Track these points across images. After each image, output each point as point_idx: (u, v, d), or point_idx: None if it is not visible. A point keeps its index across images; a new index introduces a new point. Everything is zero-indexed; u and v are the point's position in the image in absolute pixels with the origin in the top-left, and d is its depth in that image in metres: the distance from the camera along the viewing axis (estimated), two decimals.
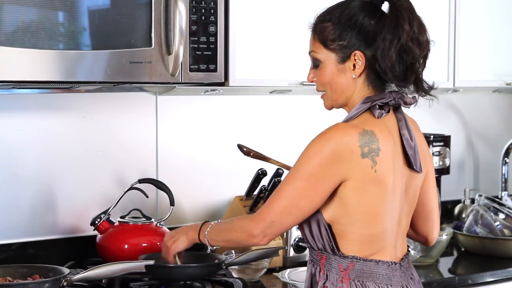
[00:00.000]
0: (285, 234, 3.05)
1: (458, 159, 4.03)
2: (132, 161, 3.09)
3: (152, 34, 2.56)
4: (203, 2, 2.66)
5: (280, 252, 2.97)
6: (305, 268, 2.85)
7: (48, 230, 2.94)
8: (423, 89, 2.17)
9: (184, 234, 2.40)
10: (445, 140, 3.72)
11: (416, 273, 2.30)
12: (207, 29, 2.67)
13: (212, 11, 2.68)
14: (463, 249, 3.42)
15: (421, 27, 2.13)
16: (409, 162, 2.18)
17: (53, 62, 2.42)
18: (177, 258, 2.50)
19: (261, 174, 3.05)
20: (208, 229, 2.30)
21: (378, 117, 2.13)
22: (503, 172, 3.99)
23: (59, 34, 2.43)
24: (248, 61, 2.90)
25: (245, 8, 2.87)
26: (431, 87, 2.19)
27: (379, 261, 2.16)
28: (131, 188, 2.93)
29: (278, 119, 3.43)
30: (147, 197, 2.96)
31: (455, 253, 3.42)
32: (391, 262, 2.17)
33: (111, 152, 3.05)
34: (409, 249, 3.04)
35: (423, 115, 3.73)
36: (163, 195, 2.97)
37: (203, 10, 2.66)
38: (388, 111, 2.17)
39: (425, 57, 2.16)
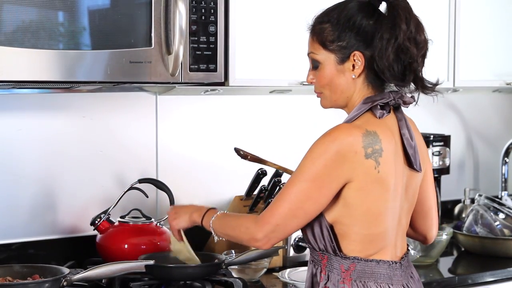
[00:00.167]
0: None
1: (458, 159, 4.03)
2: (132, 161, 3.09)
3: (152, 34, 2.56)
4: (203, 2, 2.66)
5: (280, 252, 2.97)
6: (305, 268, 2.86)
7: (48, 230, 2.94)
8: (425, 87, 2.17)
9: (188, 214, 2.38)
10: (445, 140, 3.72)
11: (416, 271, 2.30)
12: (207, 29, 2.67)
13: (212, 11, 2.68)
14: (463, 249, 3.42)
15: (419, 27, 2.14)
16: (409, 162, 2.18)
17: (53, 62, 2.42)
18: (183, 234, 2.48)
19: (261, 174, 3.05)
20: (213, 218, 2.27)
21: (379, 117, 2.14)
22: (503, 172, 3.99)
23: (59, 34, 2.43)
24: (248, 61, 2.90)
25: (245, 8, 2.87)
26: (435, 84, 2.19)
27: (380, 260, 2.16)
28: (131, 188, 2.93)
29: (278, 119, 3.43)
30: (147, 197, 2.96)
31: (455, 253, 3.42)
32: (392, 261, 2.18)
33: (111, 152, 3.05)
34: (409, 248, 3.04)
35: (423, 115, 3.74)
36: (163, 195, 2.97)
37: (203, 10, 2.66)
38: (389, 111, 2.17)
39: (424, 56, 2.16)
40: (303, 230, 2.18)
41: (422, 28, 2.14)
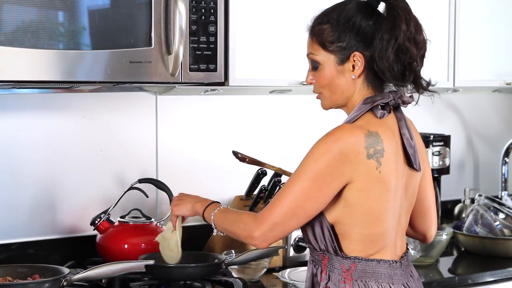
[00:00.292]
0: None
1: (458, 159, 4.03)
2: (132, 161, 3.09)
3: (152, 34, 2.56)
4: (203, 2, 2.66)
5: (280, 251, 2.97)
6: (305, 268, 2.86)
7: (48, 230, 2.94)
8: (423, 87, 2.18)
9: (191, 203, 2.37)
10: (445, 140, 3.72)
11: (415, 270, 2.31)
12: (207, 29, 2.67)
13: (212, 11, 2.68)
14: (463, 249, 3.42)
15: (418, 27, 2.14)
16: (409, 161, 2.19)
17: (53, 62, 2.42)
18: (179, 224, 2.46)
19: (261, 174, 3.05)
20: (215, 211, 2.27)
21: (380, 117, 2.14)
22: (503, 172, 3.99)
23: (59, 34, 2.43)
24: (248, 61, 2.90)
25: (245, 8, 2.87)
26: (429, 83, 2.19)
27: (381, 260, 2.16)
28: (131, 188, 2.93)
29: (278, 119, 3.43)
30: (147, 197, 2.96)
31: (455, 253, 3.42)
32: (392, 260, 2.18)
33: (111, 152, 3.05)
34: (409, 248, 3.04)
35: (423, 115, 3.74)
36: (163, 195, 2.97)
37: (203, 10, 2.66)
38: (389, 111, 2.18)
39: (423, 57, 2.17)
40: (304, 230, 2.18)
41: (421, 28, 2.15)
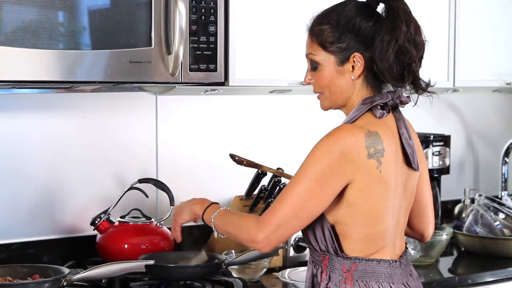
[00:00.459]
0: None
1: (458, 159, 4.03)
2: (132, 161, 3.09)
3: (152, 34, 2.56)
4: (203, 2, 2.66)
5: (280, 252, 2.97)
6: (305, 268, 2.85)
7: (48, 230, 2.94)
8: (422, 88, 2.19)
9: (189, 207, 2.35)
10: (445, 140, 3.72)
11: (415, 270, 2.31)
12: (207, 29, 2.67)
13: (212, 11, 2.68)
14: (463, 249, 3.42)
15: (417, 29, 2.15)
16: (408, 161, 2.20)
17: (53, 62, 2.42)
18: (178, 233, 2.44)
19: (261, 174, 3.05)
20: (215, 213, 2.25)
21: (379, 117, 2.15)
22: (503, 172, 3.99)
23: (59, 34, 2.43)
24: (248, 61, 2.90)
25: (245, 8, 2.87)
26: (428, 84, 2.20)
27: (381, 260, 2.17)
28: (131, 188, 2.93)
29: (278, 119, 3.43)
30: (147, 197, 2.96)
31: (455, 253, 3.42)
32: (392, 260, 2.19)
33: (111, 152, 3.05)
34: (409, 248, 3.04)
35: (423, 115, 3.75)
36: (163, 195, 2.97)
37: (203, 10, 2.66)
38: (388, 111, 2.18)
39: (421, 58, 2.18)
40: (304, 231, 2.18)
41: (420, 30, 2.16)
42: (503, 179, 3.99)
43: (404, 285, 2.20)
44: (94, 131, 3.01)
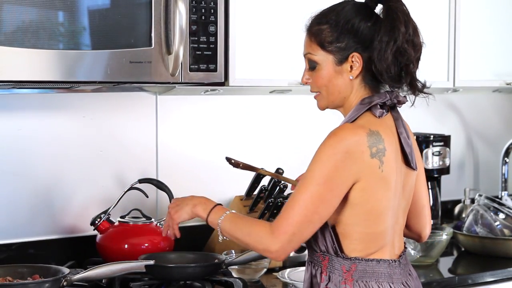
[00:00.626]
0: None
1: (458, 159, 4.03)
2: (132, 161, 3.09)
3: (152, 34, 2.56)
4: (203, 2, 2.66)
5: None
6: (304, 268, 2.86)
7: (48, 230, 2.94)
8: (418, 89, 2.19)
9: (190, 206, 2.25)
10: (445, 140, 3.72)
11: (413, 269, 2.31)
12: (207, 29, 2.67)
13: (212, 11, 2.68)
14: (463, 249, 3.42)
15: (416, 30, 2.17)
16: (407, 160, 2.20)
17: (53, 62, 2.42)
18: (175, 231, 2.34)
19: (261, 174, 3.05)
20: (222, 218, 2.18)
21: (379, 117, 2.15)
22: (503, 172, 3.99)
23: (59, 34, 2.43)
24: (248, 61, 2.90)
25: (245, 8, 2.87)
26: (424, 85, 2.20)
27: (380, 260, 2.17)
28: (131, 188, 2.93)
29: (278, 119, 3.43)
30: (147, 197, 2.96)
31: (455, 253, 3.42)
32: (391, 260, 2.19)
33: (111, 152, 3.05)
34: (409, 248, 3.04)
35: (423, 115, 3.75)
36: (163, 195, 2.97)
37: (203, 10, 2.66)
38: (388, 111, 2.19)
39: (418, 59, 2.18)
40: None
41: (418, 31, 2.18)
42: (503, 179, 3.99)
43: (403, 284, 2.20)
44: (94, 131, 3.01)
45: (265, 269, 2.89)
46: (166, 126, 3.17)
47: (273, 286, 2.83)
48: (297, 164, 3.37)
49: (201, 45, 2.66)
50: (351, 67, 2.16)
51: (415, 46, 2.15)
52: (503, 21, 3.61)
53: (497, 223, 3.39)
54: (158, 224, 2.92)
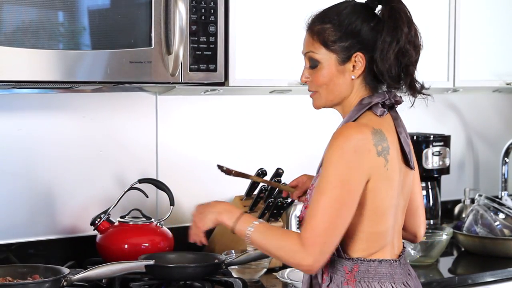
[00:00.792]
0: None
1: (458, 159, 4.03)
2: (132, 161, 3.09)
3: (152, 34, 2.56)
4: (203, 2, 2.66)
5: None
6: None
7: (48, 230, 2.94)
8: (418, 90, 2.20)
9: (214, 213, 2.20)
10: (445, 140, 3.72)
11: (412, 269, 2.31)
12: (207, 29, 2.67)
13: (212, 11, 2.68)
14: (463, 249, 3.42)
15: (416, 32, 2.17)
16: (406, 159, 2.20)
17: (53, 62, 2.42)
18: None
19: (261, 174, 3.05)
20: (252, 228, 2.12)
21: (380, 115, 2.15)
22: (503, 172, 3.99)
23: (59, 34, 2.43)
24: (248, 61, 2.90)
25: (245, 8, 2.87)
26: (423, 86, 2.21)
27: (382, 260, 2.17)
28: (131, 188, 2.93)
29: (278, 119, 3.43)
30: (147, 197, 2.96)
31: (455, 253, 3.42)
32: (392, 260, 2.19)
33: (111, 152, 3.05)
34: (409, 248, 3.04)
35: (423, 115, 3.75)
36: (163, 195, 2.97)
37: (203, 10, 2.66)
38: (388, 110, 2.19)
39: (417, 61, 2.19)
40: None
41: (419, 34, 2.18)
42: (503, 179, 3.99)
43: (404, 284, 2.20)
44: (94, 131, 3.01)
45: (265, 269, 2.89)
46: (166, 126, 3.17)
47: (273, 286, 2.83)
48: (297, 164, 3.38)
49: (201, 45, 2.66)
50: (353, 66, 2.16)
51: (416, 47, 2.16)
52: (503, 21, 3.61)
53: (497, 223, 3.39)
54: (158, 224, 2.92)
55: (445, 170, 3.72)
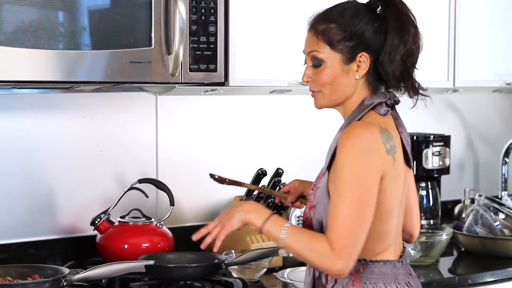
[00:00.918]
0: None
1: (458, 159, 4.03)
2: (132, 161, 3.09)
3: (152, 34, 2.56)
4: (203, 2, 2.66)
5: (280, 252, 2.97)
6: (304, 268, 2.84)
7: (48, 230, 2.94)
8: (417, 91, 2.20)
9: (242, 213, 2.15)
10: (445, 140, 3.72)
11: (412, 269, 2.31)
12: (207, 29, 2.67)
13: (212, 11, 2.68)
14: (463, 249, 3.42)
15: (419, 33, 2.17)
16: (406, 159, 2.20)
17: (53, 62, 2.42)
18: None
19: (261, 174, 3.05)
20: (285, 231, 2.09)
21: (384, 115, 2.15)
22: (503, 172, 3.99)
23: (59, 34, 2.43)
24: (248, 61, 2.90)
25: (245, 8, 2.87)
26: (421, 87, 2.21)
27: (387, 261, 2.17)
28: (131, 188, 2.93)
29: (278, 119, 3.43)
30: (147, 197, 2.96)
31: (455, 253, 3.42)
32: (396, 260, 2.19)
33: (111, 152, 3.05)
34: (409, 249, 3.04)
35: (423, 115, 3.75)
36: (163, 195, 2.97)
37: (203, 10, 2.66)
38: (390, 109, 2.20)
39: (417, 62, 2.20)
40: None
41: (421, 34, 2.18)
42: (503, 179, 3.99)
43: (407, 285, 2.20)
44: (94, 131, 3.01)
45: (265, 269, 2.89)
46: (166, 126, 3.17)
47: (273, 286, 2.83)
48: (297, 164, 3.39)
49: (201, 45, 2.66)
50: (357, 66, 2.16)
51: (418, 48, 2.17)
52: (503, 21, 3.61)
53: (497, 223, 3.39)
54: (158, 224, 2.92)
55: (445, 170, 3.72)
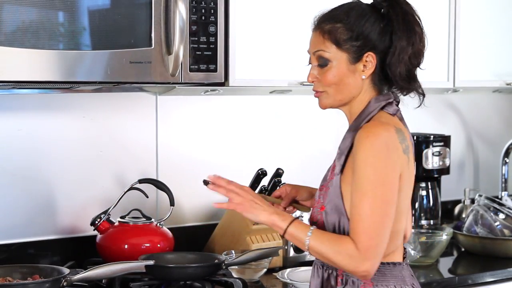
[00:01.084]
0: None
1: (458, 159, 4.03)
2: (132, 161, 3.09)
3: (152, 34, 2.56)
4: (203, 2, 2.66)
5: (280, 252, 2.97)
6: (304, 268, 2.85)
7: (48, 230, 2.94)
8: (417, 91, 2.20)
9: (267, 213, 2.15)
10: (445, 140, 3.72)
11: (411, 269, 2.31)
12: (207, 29, 2.67)
13: (212, 11, 2.68)
14: (463, 249, 3.42)
15: (425, 33, 2.18)
16: None
17: (53, 62, 2.42)
18: None
19: (261, 174, 3.05)
20: (310, 234, 2.09)
21: (394, 114, 2.15)
22: (503, 172, 3.99)
23: (59, 34, 2.43)
24: (248, 61, 2.90)
25: (245, 8, 2.87)
26: (420, 88, 2.21)
27: (396, 263, 2.17)
28: (131, 188, 2.93)
29: (278, 119, 3.43)
30: (147, 197, 2.96)
31: (455, 253, 3.42)
32: (404, 263, 2.19)
33: (111, 152, 3.05)
34: (409, 249, 3.04)
35: (423, 115, 3.75)
36: (163, 195, 2.97)
37: (203, 10, 2.66)
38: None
39: (422, 62, 2.20)
40: None
41: (425, 35, 2.19)
42: (503, 179, 3.99)
43: (412, 286, 2.19)
44: (94, 131, 3.01)
45: (265, 269, 2.89)
46: (166, 126, 3.17)
47: (273, 286, 2.83)
48: (297, 164, 3.39)
49: (201, 45, 2.66)
50: (364, 66, 2.15)
51: (424, 48, 2.18)
52: (503, 21, 3.61)
53: (497, 223, 3.39)
54: (158, 224, 2.92)
55: (445, 170, 3.72)
